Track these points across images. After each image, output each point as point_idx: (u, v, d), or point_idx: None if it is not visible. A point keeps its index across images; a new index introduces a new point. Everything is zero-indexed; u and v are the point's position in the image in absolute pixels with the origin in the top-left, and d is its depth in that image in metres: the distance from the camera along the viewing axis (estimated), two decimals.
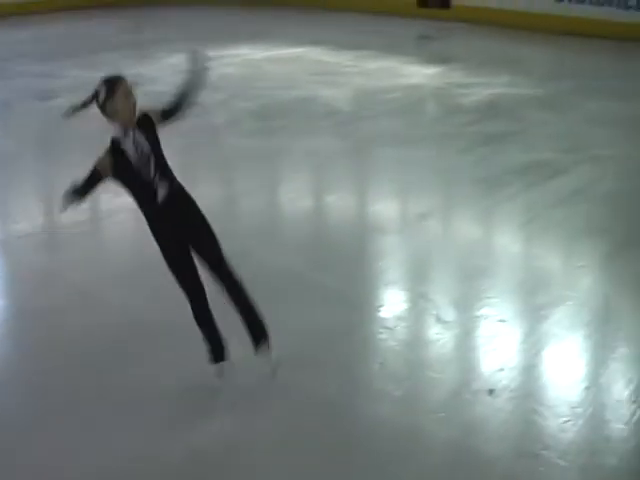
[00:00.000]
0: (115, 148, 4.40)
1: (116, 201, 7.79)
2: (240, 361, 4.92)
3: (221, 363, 4.82)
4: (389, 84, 12.74)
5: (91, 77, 13.73)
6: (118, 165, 4.38)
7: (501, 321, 5.69)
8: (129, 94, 4.41)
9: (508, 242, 7.11)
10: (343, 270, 6.48)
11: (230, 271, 4.57)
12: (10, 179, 8.74)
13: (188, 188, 4.76)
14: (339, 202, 8.03)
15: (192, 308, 4.67)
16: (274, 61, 14.43)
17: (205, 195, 8.17)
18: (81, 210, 7.63)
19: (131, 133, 4.42)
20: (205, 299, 4.64)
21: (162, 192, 4.45)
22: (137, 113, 4.43)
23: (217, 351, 4.81)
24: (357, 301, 6.02)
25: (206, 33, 17.72)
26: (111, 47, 16.01)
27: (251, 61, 14.42)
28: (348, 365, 5.22)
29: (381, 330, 5.58)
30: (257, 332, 4.74)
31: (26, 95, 12.27)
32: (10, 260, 6.91)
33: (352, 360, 5.28)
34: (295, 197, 8.15)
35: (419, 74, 13.46)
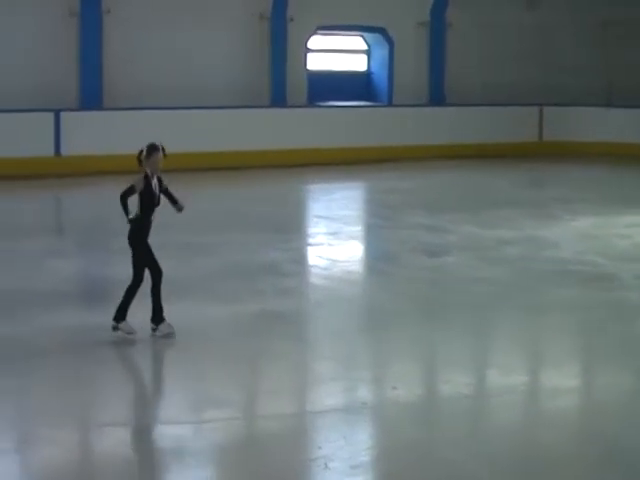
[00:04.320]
0: (147, 180, 8.81)
1: (505, 380, 8.10)
2: None
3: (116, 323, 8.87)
4: None
5: (484, 235, 14.41)
6: (145, 188, 8.80)
7: None
8: (159, 159, 8.81)
9: None
10: None
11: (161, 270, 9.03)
12: (389, 338, 9.36)
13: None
14: None
15: (133, 286, 8.90)
16: None
17: (604, 385, 8.17)
18: (467, 384, 8.05)
19: (155, 178, 8.90)
20: (139, 285, 8.95)
21: (155, 214, 8.94)
22: (158, 173, 8.92)
23: (121, 314, 8.86)
24: None
25: (616, 195, 17.85)
26: (506, 203, 16.74)
27: None
28: None
29: None
30: (157, 315, 9.01)
31: (413, 249, 13.19)
32: (383, 429, 7.35)
33: None
34: None
35: None
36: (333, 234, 14.17)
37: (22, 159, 18.67)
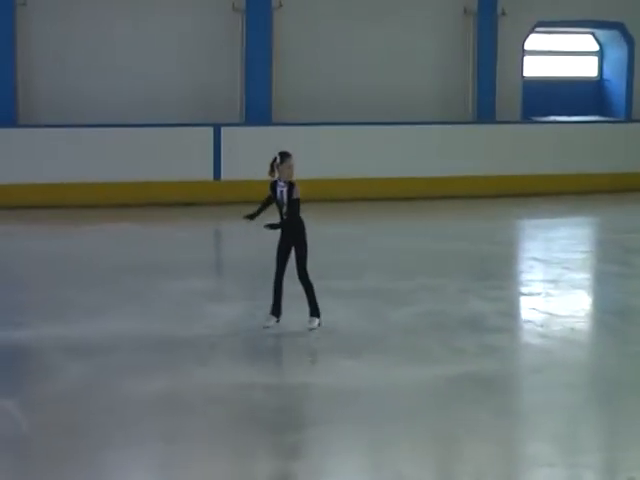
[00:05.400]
0: (273, 185, 11.26)
1: None
2: None
3: (272, 316, 11.25)
4: None
5: None
6: (273, 192, 11.28)
7: None
8: (291, 165, 11.14)
9: None
10: None
11: (304, 268, 11.18)
12: (624, 415, 9.24)
13: None
14: None
15: (276, 279, 11.23)
16: None
17: None
18: None
19: (282, 184, 11.17)
20: (282, 276, 11.32)
21: (284, 217, 11.26)
22: (291, 179, 11.14)
23: (276, 308, 11.25)
24: None
25: None
26: None
27: None
28: None
29: None
30: (312, 308, 11.32)
31: None
32: None
33: None
34: None
35: None
36: (553, 282, 14.10)
37: (176, 183, 19.37)
